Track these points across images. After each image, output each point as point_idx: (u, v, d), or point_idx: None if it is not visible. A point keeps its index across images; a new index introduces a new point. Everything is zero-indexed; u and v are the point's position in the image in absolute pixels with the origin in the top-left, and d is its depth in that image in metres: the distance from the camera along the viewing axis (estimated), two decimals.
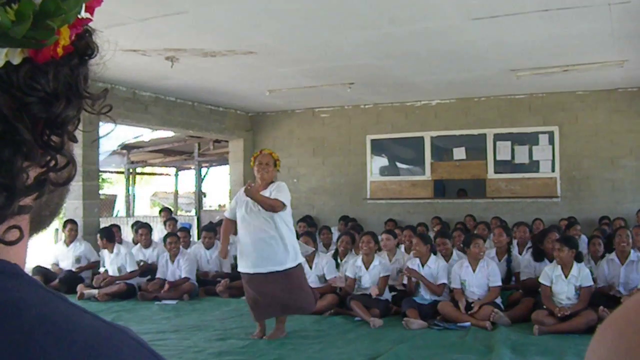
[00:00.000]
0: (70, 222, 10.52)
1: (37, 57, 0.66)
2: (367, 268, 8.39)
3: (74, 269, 10.35)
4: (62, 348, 0.62)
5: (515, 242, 9.76)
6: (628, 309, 0.54)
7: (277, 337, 6.90)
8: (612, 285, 7.93)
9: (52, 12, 0.64)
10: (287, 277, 6.76)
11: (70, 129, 0.72)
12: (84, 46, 0.72)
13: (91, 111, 0.75)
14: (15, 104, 0.65)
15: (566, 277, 7.34)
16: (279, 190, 6.81)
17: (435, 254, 8.43)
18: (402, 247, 9.86)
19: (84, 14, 0.70)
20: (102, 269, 10.27)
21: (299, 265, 6.97)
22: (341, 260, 9.20)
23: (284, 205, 6.75)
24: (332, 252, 9.82)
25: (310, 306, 7.09)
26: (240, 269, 6.98)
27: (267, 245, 6.70)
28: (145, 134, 18.21)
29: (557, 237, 7.91)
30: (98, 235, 10.07)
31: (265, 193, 6.75)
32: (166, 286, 9.61)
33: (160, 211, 16.80)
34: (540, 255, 8.58)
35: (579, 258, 7.51)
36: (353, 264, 8.59)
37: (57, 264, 10.55)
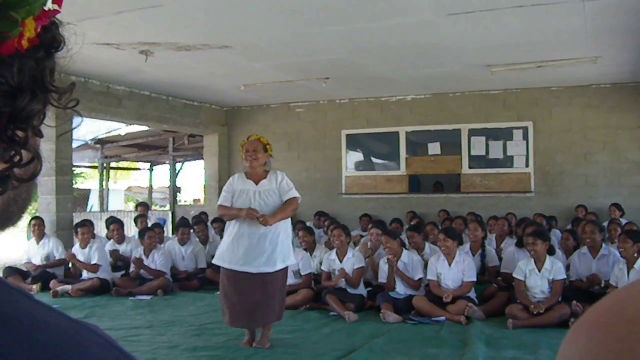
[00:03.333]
0: (36, 220, 10.38)
1: (1, 50, 0.64)
2: (341, 261, 8.42)
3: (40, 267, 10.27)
4: (27, 347, 0.61)
5: (491, 236, 9.83)
6: (600, 312, 0.54)
7: (265, 345, 6.28)
8: (594, 280, 7.94)
9: (17, 3, 0.62)
10: (273, 280, 6.15)
11: (35, 123, 0.70)
12: (51, 39, 0.71)
13: (58, 105, 0.73)
14: None
15: (539, 271, 7.39)
16: (287, 185, 6.28)
17: (406, 248, 8.46)
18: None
19: (51, 6, 0.68)
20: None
21: (287, 268, 6.37)
22: (311, 255, 9.19)
23: (297, 198, 6.32)
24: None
25: (276, 317, 6.36)
26: (222, 263, 6.23)
27: (265, 243, 6.07)
28: (120, 129, 18.17)
29: (530, 232, 7.95)
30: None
31: (266, 184, 6.23)
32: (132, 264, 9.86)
33: (136, 206, 16.71)
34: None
35: (551, 251, 7.58)
36: (327, 258, 8.61)
37: (30, 262, 10.41)
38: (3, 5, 0.61)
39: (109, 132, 18.56)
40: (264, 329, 6.36)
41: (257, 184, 6.27)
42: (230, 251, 6.18)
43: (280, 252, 6.16)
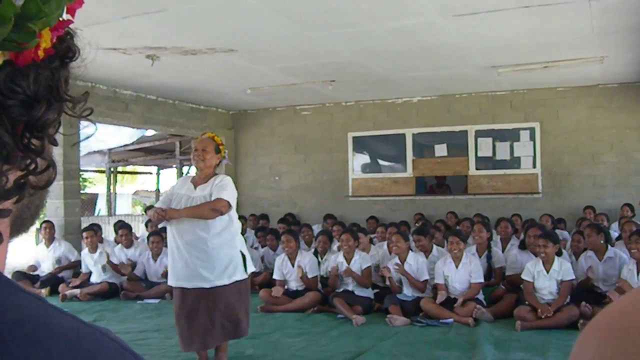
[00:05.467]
0: (46, 223, 10.43)
1: (18, 60, 0.65)
2: (348, 263, 8.42)
3: (54, 270, 10.30)
4: (41, 350, 0.61)
5: (497, 238, 9.81)
6: (610, 315, 0.54)
7: None
8: (589, 279, 7.93)
9: (34, 14, 0.63)
10: (214, 296, 5.39)
11: (50, 132, 0.72)
12: (65, 49, 0.72)
13: (72, 114, 0.74)
14: None
15: (547, 272, 7.38)
16: (221, 187, 5.39)
17: (412, 250, 8.47)
18: (378, 243, 10.01)
19: (65, 16, 0.70)
20: (83, 270, 10.14)
21: (236, 283, 5.48)
22: (321, 259, 9.21)
23: (228, 206, 5.37)
24: (313, 250, 9.79)
25: (240, 332, 5.60)
26: (169, 281, 5.65)
27: (193, 255, 5.36)
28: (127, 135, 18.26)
29: (539, 234, 7.92)
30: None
31: (206, 189, 5.45)
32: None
33: (145, 210, 16.73)
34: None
35: (558, 252, 7.57)
36: (335, 261, 8.62)
37: (34, 265, 10.45)
38: (20, 16, 0.62)
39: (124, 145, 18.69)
40: (218, 354, 5.69)
41: (195, 188, 5.54)
42: (170, 267, 5.61)
43: (219, 266, 5.39)
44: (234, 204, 5.48)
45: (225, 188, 5.40)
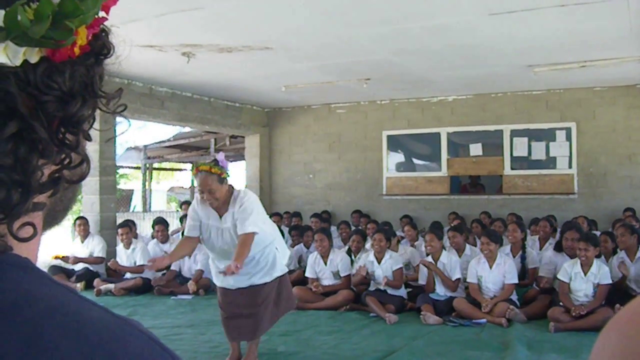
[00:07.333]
0: (80, 219, 10.53)
1: (55, 57, 0.67)
2: (379, 263, 8.41)
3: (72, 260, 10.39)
4: (71, 340, 0.63)
5: (534, 237, 9.72)
6: (631, 311, 0.55)
7: None
8: (624, 278, 7.84)
9: (71, 12, 0.65)
10: (254, 293, 5.59)
11: (85, 127, 0.73)
12: (100, 46, 0.74)
13: (106, 110, 0.76)
14: (32, 103, 0.66)
15: (585, 274, 7.30)
16: (243, 215, 5.29)
17: (444, 249, 8.44)
18: (405, 243, 10.16)
19: (100, 14, 0.71)
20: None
21: (271, 281, 5.65)
22: (355, 257, 9.20)
23: (254, 234, 5.26)
24: (346, 248, 9.77)
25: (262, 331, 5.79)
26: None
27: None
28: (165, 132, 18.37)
29: (579, 237, 7.81)
30: None
31: (228, 218, 5.38)
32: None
33: (180, 205, 16.84)
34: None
35: (597, 255, 7.48)
36: (365, 259, 8.61)
37: (68, 257, 10.51)
38: (58, 14, 0.64)
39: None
40: (249, 347, 5.88)
41: (220, 216, 5.46)
42: (213, 270, 5.85)
43: (255, 269, 5.52)
44: (262, 224, 5.42)
45: (248, 214, 5.28)
